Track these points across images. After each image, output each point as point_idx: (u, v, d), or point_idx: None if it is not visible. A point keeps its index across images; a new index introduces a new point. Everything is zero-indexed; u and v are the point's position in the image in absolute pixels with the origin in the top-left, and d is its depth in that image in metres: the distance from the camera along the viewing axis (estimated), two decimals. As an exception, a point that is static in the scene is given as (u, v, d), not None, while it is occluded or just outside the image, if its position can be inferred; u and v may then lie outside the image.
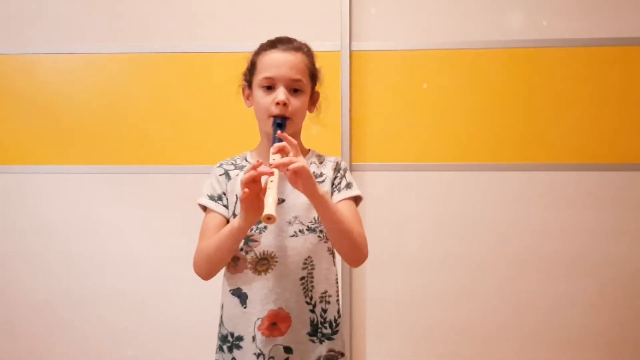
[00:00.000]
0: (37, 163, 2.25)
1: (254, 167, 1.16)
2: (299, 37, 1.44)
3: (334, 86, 2.14)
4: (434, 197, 2.19)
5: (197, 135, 2.21)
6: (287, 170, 1.16)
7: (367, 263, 2.11)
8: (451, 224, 2.19)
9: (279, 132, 1.24)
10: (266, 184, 1.16)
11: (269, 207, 1.10)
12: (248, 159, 1.40)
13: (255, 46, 1.38)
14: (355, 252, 1.30)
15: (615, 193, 2.14)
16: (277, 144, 1.22)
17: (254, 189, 1.16)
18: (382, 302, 2.21)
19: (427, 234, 2.19)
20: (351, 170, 2.17)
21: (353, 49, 2.16)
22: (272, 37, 1.38)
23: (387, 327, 2.21)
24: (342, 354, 1.35)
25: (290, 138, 1.22)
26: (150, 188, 2.23)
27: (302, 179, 1.17)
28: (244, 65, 1.39)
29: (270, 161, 1.19)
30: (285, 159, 1.17)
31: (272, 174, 1.16)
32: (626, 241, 2.15)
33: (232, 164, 1.40)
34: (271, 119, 1.29)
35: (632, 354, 2.17)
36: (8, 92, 2.25)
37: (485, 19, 2.16)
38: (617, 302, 2.16)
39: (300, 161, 1.17)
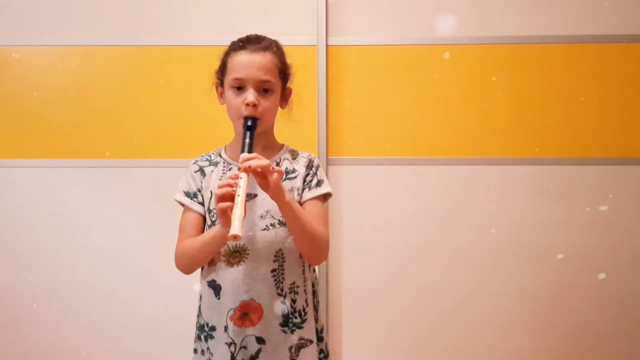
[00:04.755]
0: (11, 157, 2.23)
1: (229, 185, 1.21)
2: (276, 31, 1.46)
3: (310, 81, 2.16)
4: (409, 191, 2.22)
5: (174, 129, 2.21)
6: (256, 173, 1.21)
7: (343, 254, 2.22)
8: (425, 217, 2.23)
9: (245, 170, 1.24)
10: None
11: (235, 227, 1.14)
12: (222, 154, 1.43)
13: (231, 40, 1.40)
14: (314, 252, 1.36)
15: (591, 187, 2.19)
16: (246, 155, 1.24)
17: (228, 201, 1.20)
18: (358, 293, 2.25)
19: (402, 227, 2.23)
20: (327, 165, 2.20)
21: (330, 43, 2.18)
22: (244, 34, 1.40)
23: (362, 316, 2.25)
24: (311, 341, 1.38)
25: (263, 160, 1.22)
26: (126, 182, 2.22)
27: (272, 190, 1.22)
28: (218, 60, 1.41)
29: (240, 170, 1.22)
30: (259, 163, 1.20)
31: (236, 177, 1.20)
32: (603, 233, 2.20)
33: (207, 160, 1.44)
34: (242, 120, 1.32)
35: (608, 342, 2.23)
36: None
37: (463, 14, 2.18)
38: (591, 292, 2.22)
39: (274, 177, 1.21)
